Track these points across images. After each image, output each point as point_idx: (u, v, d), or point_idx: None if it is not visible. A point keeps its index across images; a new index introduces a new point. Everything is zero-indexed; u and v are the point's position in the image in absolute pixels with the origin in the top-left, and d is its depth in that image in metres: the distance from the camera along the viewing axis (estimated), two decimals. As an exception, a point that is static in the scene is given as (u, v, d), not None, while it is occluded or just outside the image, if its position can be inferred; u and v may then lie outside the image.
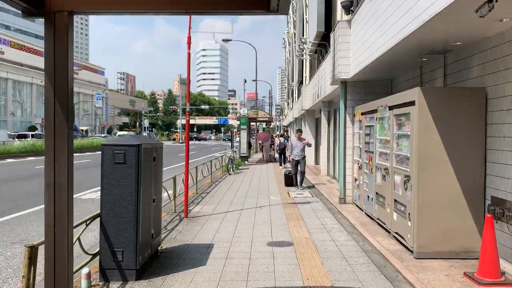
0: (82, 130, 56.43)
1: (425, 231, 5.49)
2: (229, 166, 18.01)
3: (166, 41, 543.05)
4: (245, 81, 34.70)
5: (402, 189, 6.05)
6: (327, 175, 15.79)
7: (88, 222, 4.70)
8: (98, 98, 66.53)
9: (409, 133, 5.81)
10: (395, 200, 6.42)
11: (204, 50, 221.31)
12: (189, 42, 8.43)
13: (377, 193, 7.48)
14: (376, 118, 7.56)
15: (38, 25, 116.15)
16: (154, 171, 5.49)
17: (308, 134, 22.15)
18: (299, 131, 13.46)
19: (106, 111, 78.30)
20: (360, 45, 8.16)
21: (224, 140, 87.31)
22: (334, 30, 9.69)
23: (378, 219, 7.43)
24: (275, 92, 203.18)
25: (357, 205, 9.23)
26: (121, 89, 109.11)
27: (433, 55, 6.60)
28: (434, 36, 5.42)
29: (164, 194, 8.67)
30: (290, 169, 13.39)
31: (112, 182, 4.87)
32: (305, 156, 12.98)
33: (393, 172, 6.50)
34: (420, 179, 5.49)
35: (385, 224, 6.97)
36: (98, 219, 4.90)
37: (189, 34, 8.43)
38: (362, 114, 8.66)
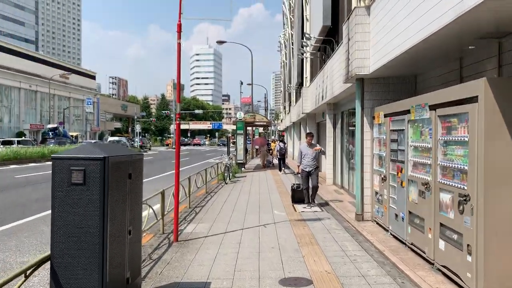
0: (72, 136, 54.54)
1: (496, 270, 4.10)
2: (226, 174, 16.57)
3: (160, 46, 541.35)
4: (241, 83, 33.34)
5: (455, 211, 4.66)
6: (333, 184, 14.41)
7: (29, 271, 3.24)
8: (89, 103, 64.75)
9: (466, 138, 4.43)
10: (442, 225, 5.03)
11: (197, 54, 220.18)
12: (179, 31, 7.03)
13: (411, 212, 6.10)
14: (408, 121, 6.18)
15: (27, 29, 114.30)
16: (129, 193, 4.06)
17: (309, 139, 20.81)
18: (310, 135, 10.93)
19: (97, 116, 76.54)
20: (385, 34, 6.81)
21: (218, 145, 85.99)
22: (348, 19, 8.34)
23: (412, 244, 6.04)
24: (269, 97, 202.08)
25: (378, 223, 7.84)
26: (112, 94, 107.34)
27: (484, 39, 5.26)
28: (504, 10, 4.07)
29: (150, 211, 7.26)
30: (298, 183, 11.00)
31: (66, 211, 3.45)
32: (318, 166, 10.61)
33: (438, 188, 5.12)
34: (487, 201, 4.11)
35: (424, 253, 5.58)
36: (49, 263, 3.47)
37: (179, 20, 7.03)
38: (385, 116, 7.29)
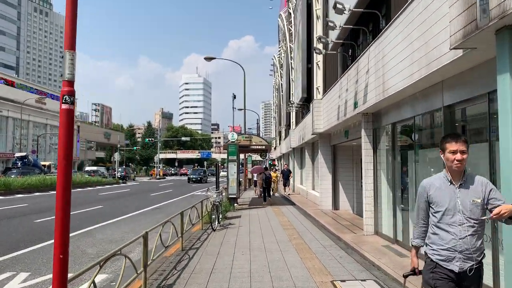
0: (43, 165, 49.04)
1: None
2: (214, 216, 11.70)
3: (149, 77, 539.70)
4: (234, 97, 28.78)
5: None
6: (376, 234, 9.58)
7: None
8: (66, 130, 59.38)
9: None
10: None
11: (187, 83, 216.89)
12: None
13: None
14: None
15: (7, 55, 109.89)
16: None
17: (322, 168, 16.09)
18: (461, 140, 2.75)
19: (77, 145, 71.19)
20: None
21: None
22: None
23: None
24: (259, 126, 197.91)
25: None
26: (95, 122, 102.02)
27: None
28: None
29: None
30: None
31: None
32: (484, 256, 2.77)
33: None
34: None
35: None
36: None
37: None
38: None
